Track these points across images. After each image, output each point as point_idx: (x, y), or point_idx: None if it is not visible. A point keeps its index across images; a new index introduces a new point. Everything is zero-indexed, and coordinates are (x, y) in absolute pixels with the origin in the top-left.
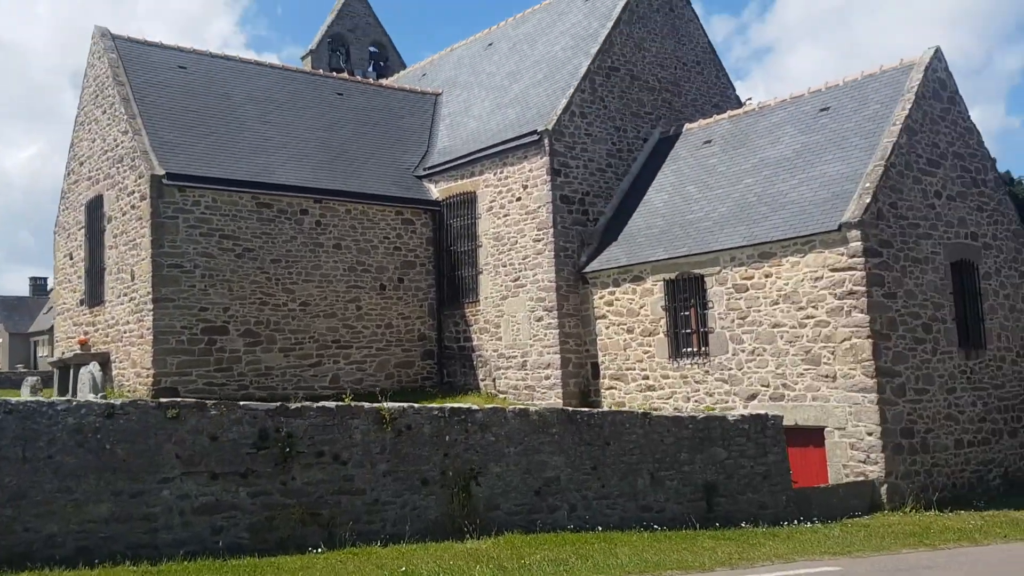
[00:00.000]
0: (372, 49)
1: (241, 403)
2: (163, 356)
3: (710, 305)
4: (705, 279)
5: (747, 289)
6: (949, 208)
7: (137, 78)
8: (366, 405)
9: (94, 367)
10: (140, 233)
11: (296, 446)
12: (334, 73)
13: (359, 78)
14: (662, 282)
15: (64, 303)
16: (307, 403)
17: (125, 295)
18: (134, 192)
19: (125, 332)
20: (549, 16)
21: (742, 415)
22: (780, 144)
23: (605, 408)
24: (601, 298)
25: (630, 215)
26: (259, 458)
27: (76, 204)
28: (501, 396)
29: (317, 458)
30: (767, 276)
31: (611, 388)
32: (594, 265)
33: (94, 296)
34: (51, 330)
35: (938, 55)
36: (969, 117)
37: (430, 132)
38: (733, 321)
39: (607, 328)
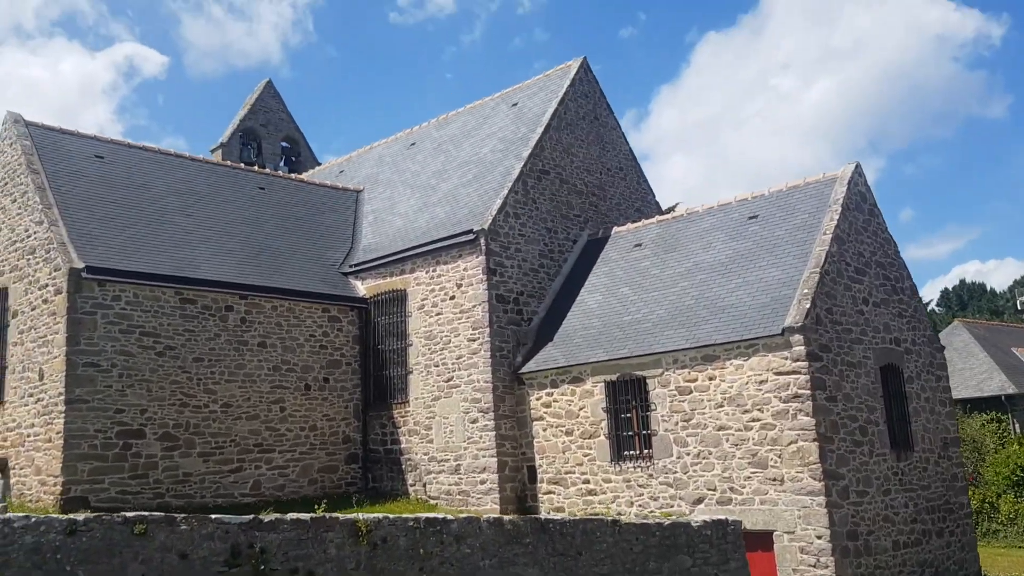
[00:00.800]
0: (284, 144)
1: (213, 516)
2: (73, 462)
3: (653, 407)
4: (647, 380)
5: (691, 391)
6: (875, 314)
7: (52, 166)
8: (341, 517)
9: None
10: (53, 329)
11: (269, 563)
12: (255, 167)
13: (280, 173)
14: (603, 383)
15: None
16: (280, 516)
17: (31, 396)
18: (48, 285)
19: (29, 436)
20: (474, 119)
21: (704, 521)
22: (712, 249)
23: (543, 514)
24: (538, 399)
25: (564, 316)
26: None
27: None
28: (432, 502)
29: (291, 575)
30: (711, 379)
31: (549, 493)
32: (531, 366)
33: None
34: None
35: (858, 170)
36: (887, 228)
37: (354, 229)
38: (677, 424)
39: (544, 430)
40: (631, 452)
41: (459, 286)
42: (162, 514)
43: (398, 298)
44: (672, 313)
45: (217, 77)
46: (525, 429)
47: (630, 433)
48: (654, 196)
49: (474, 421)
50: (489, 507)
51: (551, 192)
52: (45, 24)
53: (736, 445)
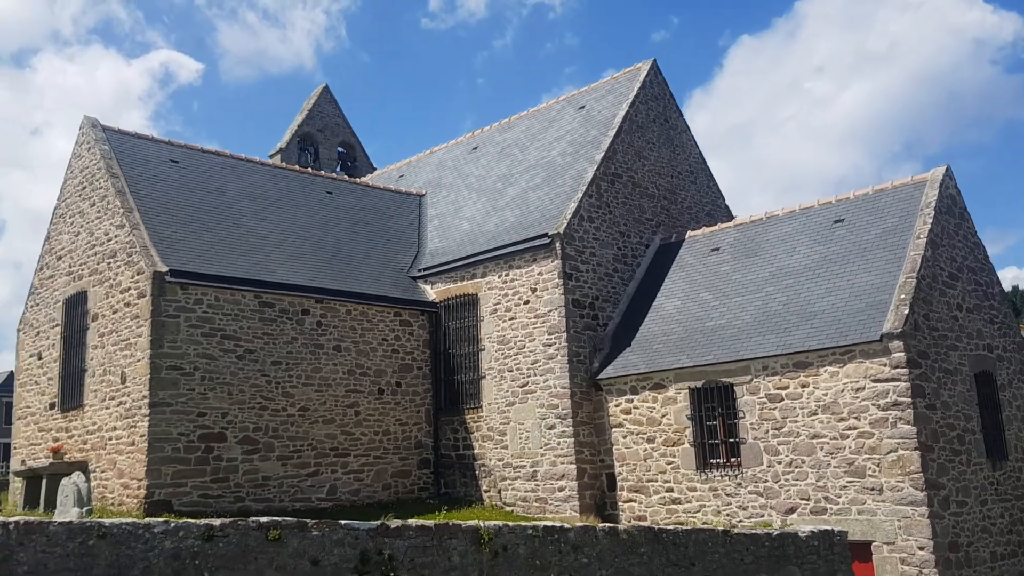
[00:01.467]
0: (340, 149)
1: (342, 522)
2: (157, 466)
3: (741, 415)
4: (735, 387)
5: (782, 399)
6: (969, 320)
7: (130, 170)
8: (463, 524)
9: (79, 477)
10: (136, 332)
11: (397, 570)
12: (322, 172)
13: (345, 177)
14: (687, 390)
15: (28, 407)
16: (405, 522)
17: (112, 398)
18: (130, 289)
19: (110, 439)
20: (539, 122)
21: (811, 531)
22: (797, 253)
23: (624, 522)
24: (617, 406)
25: (641, 321)
26: None
27: (50, 301)
28: (508, 509)
29: None
30: (803, 386)
31: (630, 501)
32: (609, 371)
33: (70, 400)
34: None
35: (949, 173)
36: (976, 233)
37: (419, 233)
38: (767, 432)
39: (624, 437)
40: (717, 460)
41: (534, 290)
42: (294, 519)
43: (469, 302)
44: (759, 319)
45: (251, 83)
46: (603, 436)
47: (716, 441)
48: (723, 200)
49: (551, 427)
50: (568, 514)
51: (624, 196)
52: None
53: (831, 454)
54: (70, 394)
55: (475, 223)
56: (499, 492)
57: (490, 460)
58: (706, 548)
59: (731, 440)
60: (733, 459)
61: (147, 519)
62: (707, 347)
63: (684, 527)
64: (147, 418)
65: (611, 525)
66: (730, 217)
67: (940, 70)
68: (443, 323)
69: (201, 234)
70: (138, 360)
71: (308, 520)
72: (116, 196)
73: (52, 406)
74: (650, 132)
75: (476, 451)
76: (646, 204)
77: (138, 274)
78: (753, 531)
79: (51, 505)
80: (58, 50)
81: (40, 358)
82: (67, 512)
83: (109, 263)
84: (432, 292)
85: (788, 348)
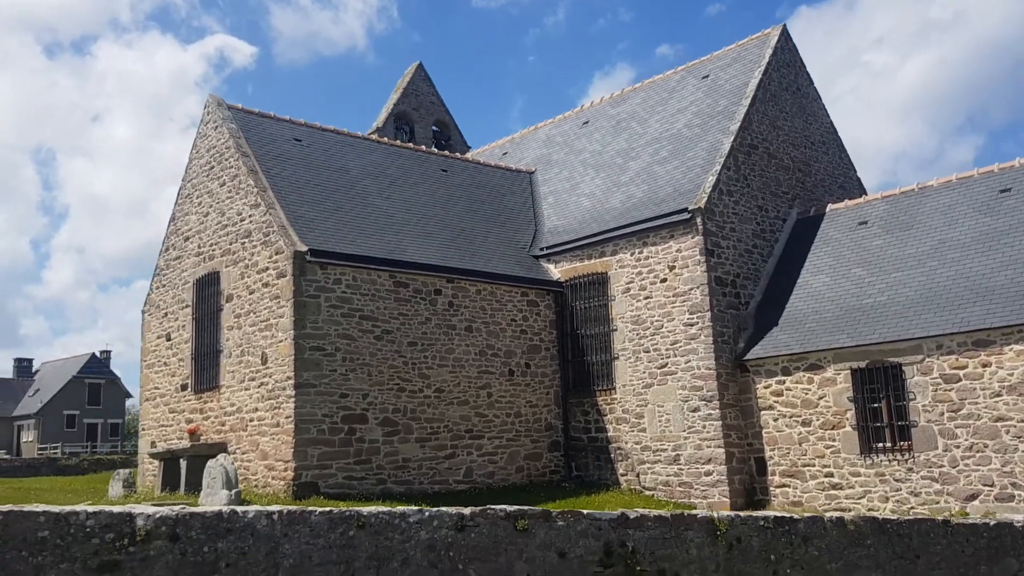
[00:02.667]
0: (434, 128)
1: (585, 512)
2: (304, 447)
3: (911, 396)
4: (903, 368)
5: (959, 379)
6: None
7: (258, 149)
8: (699, 514)
9: (226, 460)
10: (276, 313)
11: (639, 563)
12: (435, 150)
13: (457, 155)
14: (847, 371)
15: (156, 388)
16: (644, 512)
17: (252, 379)
18: (268, 269)
19: (251, 420)
20: (656, 94)
21: None
22: (959, 226)
23: (775, 510)
24: (767, 387)
25: (785, 298)
26: None
27: (178, 282)
28: (648, 493)
29: None
30: (984, 365)
31: (783, 486)
32: (757, 352)
33: (204, 381)
34: (39, 413)
35: None
36: None
37: (534, 210)
38: (943, 414)
39: (775, 420)
40: (882, 444)
41: (671, 268)
42: (540, 509)
43: (598, 281)
44: (925, 295)
45: (304, 66)
46: (751, 419)
47: (880, 424)
48: (855, 172)
49: (695, 410)
50: (717, 500)
51: (760, 168)
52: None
53: (1018, 437)
54: (204, 375)
55: (596, 200)
56: (637, 476)
57: (626, 443)
58: (928, 539)
59: (899, 423)
60: (902, 443)
61: (400, 508)
62: (868, 325)
63: (907, 518)
64: (292, 399)
65: (838, 516)
66: (863, 190)
67: (1006, 39)
68: (569, 303)
69: (332, 213)
70: (280, 341)
71: (551, 511)
72: (248, 175)
73: (184, 387)
74: (783, 101)
75: (610, 434)
76: (782, 176)
77: (276, 254)
78: (972, 521)
79: (192, 487)
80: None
81: (169, 339)
82: (215, 494)
83: (243, 243)
84: (556, 271)
85: (965, 326)
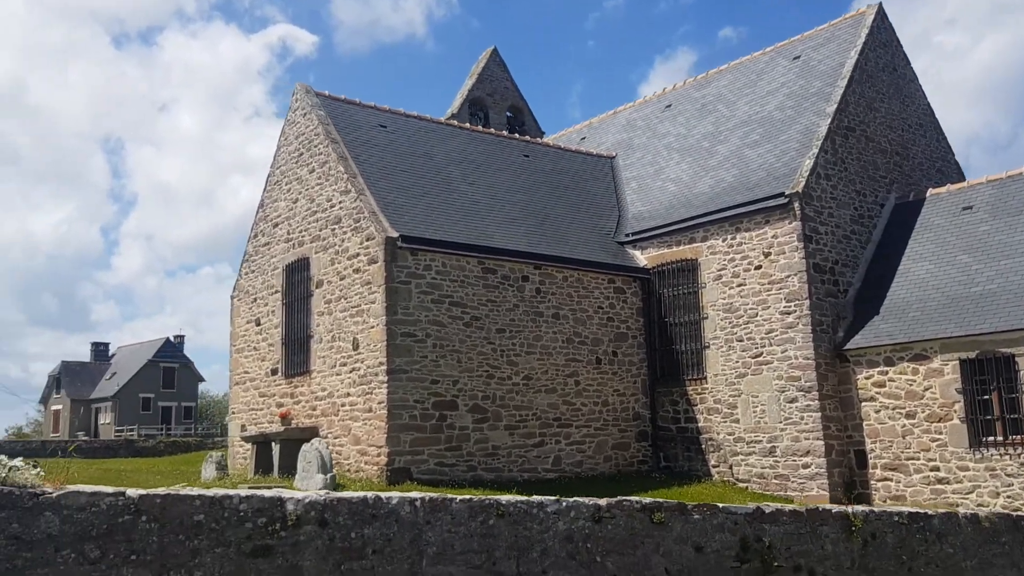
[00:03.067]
0: (508, 114)
1: (720, 506)
2: (396, 433)
3: None
4: (1016, 359)
5: None
6: None
7: (346, 136)
8: (833, 509)
9: (321, 444)
10: (368, 299)
11: (776, 558)
12: (516, 135)
13: (538, 140)
14: (956, 362)
15: (246, 372)
16: (779, 507)
17: (344, 365)
18: (359, 255)
19: (343, 405)
20: (744, 76)
21: None
22: None
23: (878, 504)
24: (868, 378)
25: (886, 286)
26: (741, 573)
27: (267, 268)
28: (742, 485)
29: (794, 573)
30: None
31: (885, 480)
32: (858, 341)
33: (294, 366)
34: (115, 396)
35: None
36: None
37: (616, 196)
38: None
39: (877, 412)
40: (992, 438)
41: (766, 255)
42: (675, 502)
43: (687, 268)
44: None
45: (365, 53)
46: (851, 410)
47: (990, 417)
48: (953, 155)
49: (792, 400)
50: (816, 493)
51: (858, 151)
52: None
53: None
54: (295, 360)
55: (683, 184)
56: (730, 468)
57: (718, 434)
58: None
59: (1012, 416)
60: (1014, 436)
61: (537, 497)
62: (978, 315)
63: None
64: (384, 385)
65: (972, 512)
66: (961, 174)
67: None
68: (656, 290)
69: (420, 199)
70: (371, 327)
71: (687, 504)
72: (338, 161)
73: (274, 372)
74: (879, 82)
75: (700, 424)
76: (879, 160)
77: (367, 240)
78: None
79: (286, 470)
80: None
81: (259, 324)
82: (311, 478)
83: (333, 229)
84: (643, 257)
85: None
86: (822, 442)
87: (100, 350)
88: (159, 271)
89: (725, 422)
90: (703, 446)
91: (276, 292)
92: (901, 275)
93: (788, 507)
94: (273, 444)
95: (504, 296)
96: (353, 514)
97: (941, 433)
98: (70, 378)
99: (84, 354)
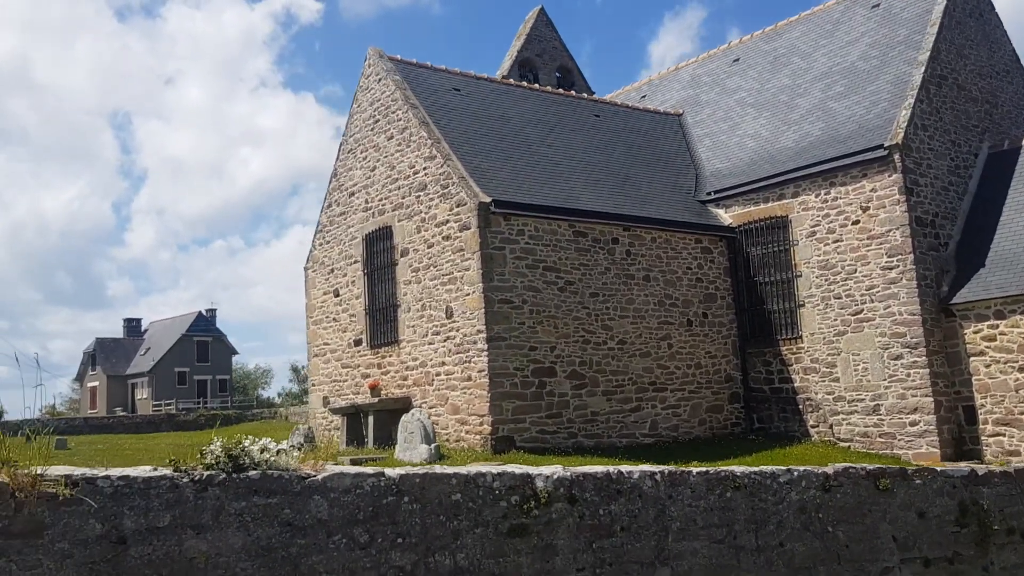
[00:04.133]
0: (557, 74)
1: (939, 469)
2: (499, 401)
3: None
4: None
5: None
6: None
7: (424, 100)
8: None
9: (422, 415)
10: (461, 266)
11: (991, 523)
12: (584, 95)
13: (606, 99)
14: None
15: (326, 344)
16: (991, 469)
17: (437, 334)
18: (448, 222)
19: (438, 375)
20: (817, 27)
21: None
22: None
23: (989, 460)
24: (977, 332)
25: (988, 238)
26: (960, 538)
27: (344, 238)
28: (843, 444)
29: (1008, 536)
30: None
31: (997, 435)
32: (965, 295)
33: (381, 336)
34: (152, 371)
35: None
36: None
37: (690, 154)
38: None
39: (987, 367)
40: None
41: (864, 209)
42: (897, 468)
43: (776, 225)
44: None
45: (370, 19)
46: (958, 366)
47: None
48: None
49: (897, 357)
50: (925, 451)
51: (951, 100)
52: None
53: None
54: (380, 330)
55: (763, 140)
56: (830, 427)
57: (816, 394)
58: None
59: None
60: None
61: (768, 467)
62: None
63: None
64: (485, 353)
65: None
66: None
67: None
68: (743, 249)
69: (504, 163)
70: (467, 294)
71: (907, 468)
72: (420, 127)
73: (358, 343)
74: (968, 28)
75: (796, 384)
76: (971, 109)
77: (458, 206)
78: None
79: (381, 441)
80: None
81: (338, 295)
82: (414, 449)
83: (418, 196)
84: (727, 216)
85: None
86: (931, 399)
87: (133, 326)
88: (172, 245)
89: (823, 381)
90: (800, 406)
91: (356, 262)
92: (1004, 226)
93: (998, 468)
94: (368, 416)
95: (596, 259)
96: (599, 490)
97: None
98: (105, 354)
99: (116, 331)
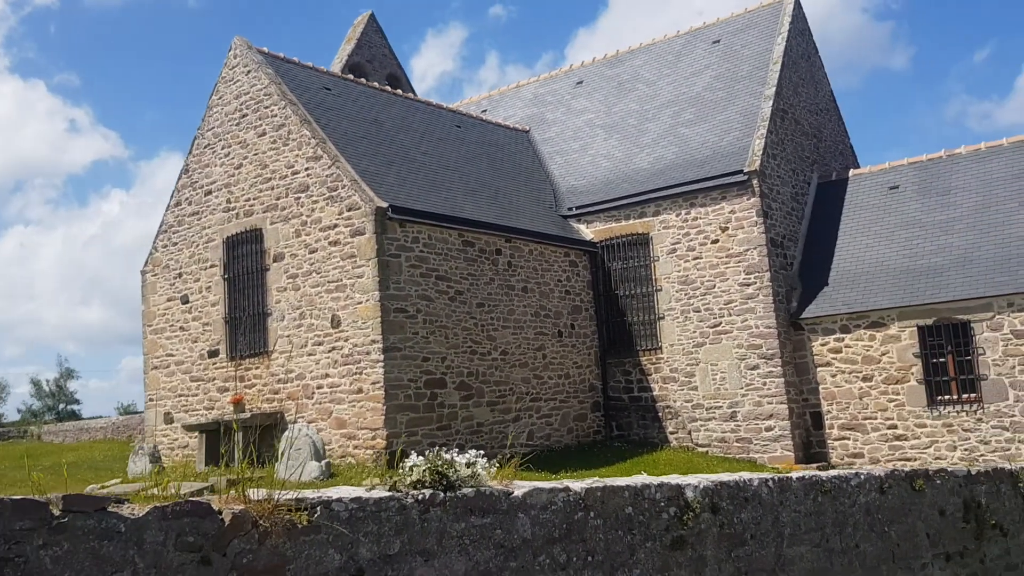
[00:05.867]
0: (387, 83)
1: (948, 470)
2: (393, 414)
3: (980, 351)
4: (972, 325)
5: None
6: None
7: (300, 97)
8: (1007, 468)
9: (310, 430)
10: (352, 273)
11: (989, 519)
12: (443, 104)
13: (462, 110)
14: (914, 328)
15: (170, 355)
16: (982, 468)
17: (319, 344)
18: (336, 226)
19: (320, 387)
20: (659, 57)
21: None
22: (995, 192)
23: (837, 462)
24: (824, 344)
25: (828, 259)
26: (966, 533)
27: (197, 240)
28: (702, 449)
29: (993, 530)
30: None
31: (843, 439)
32: (813, 310)
33: (246, 346)
34: None
35: None
36: None
37: (543, 170)
38: (1013, 367)
39: (833, 376)
40: (947, 397)
41: (723, 229)
42: (923, 469)
43: (637, 242)
44: (991, 256)
45: (115, 7)
46: (806, 375)
47: (944, 378)
48: (849, 139)
49: (753, 367)
50: (780, 454)
51: (791, 133)
52: None
53: None
54: (243, 340)
55: (617, 161)
56: (689, 434)
57: (675, 402)
58: None
59: (964, 377)
60: (968, 395)
61: (844, 471)
62: (932, 286)
63: None
64: (380, 364)
65: None
66: (855, 156)
67: (815, 18)
68: (604, 263)
69: (388, 168)
70: (358, 303)
71: (928, 469)
72: (302, 124)
73: (214, 353)
74: (800, 68)
75: (655, 393)
76: (804, 141)
77: (349, 210)
78: None
79: (253, 459)
80: None
81: (186, 302)
82: (303, 466)
83: (298, 198)
84: (588, 231)
85: None
86: (785, 406)
87: None
88: None
89: (682, 390)
90: (659, 414)
91: (212, 266)
92: (842, 249)
93: (986, 468)
94: (235, 432)
95: (482, 270)
96: (732, 498)
97: (899, 394)
98: None
99: None
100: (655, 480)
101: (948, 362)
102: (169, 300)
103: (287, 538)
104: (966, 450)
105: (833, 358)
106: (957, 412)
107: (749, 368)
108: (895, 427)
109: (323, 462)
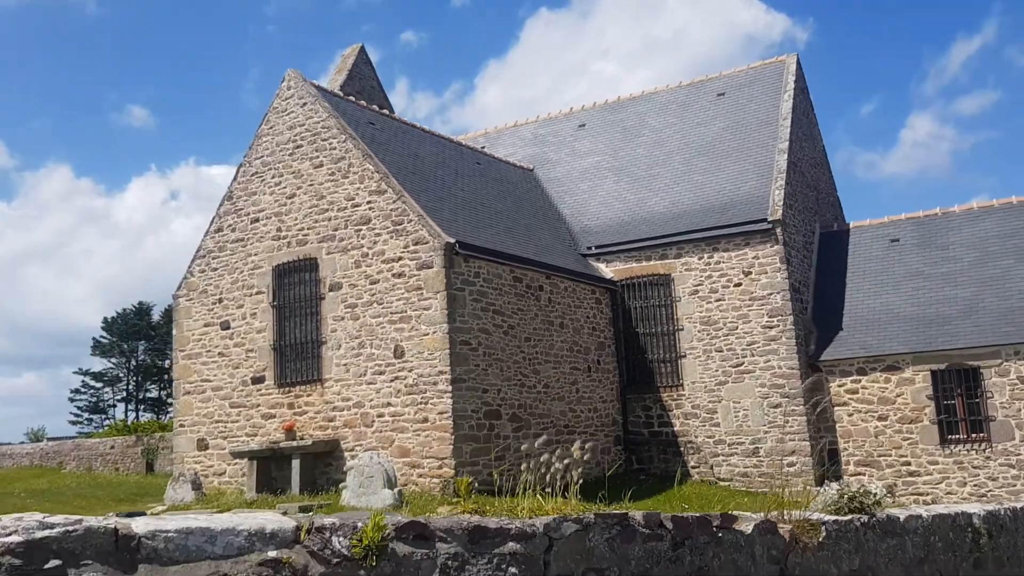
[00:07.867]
0: None
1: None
2: (460, 444)
3: (989, 395)
4: (982, 370)
5: None
6: None
7: (357, 132)
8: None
9: (382, 457)
10: (418, 305)
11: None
12: (462, 140)
13: (478, 148)
14: (927, 372)
15: (206, 380)
16: (993, 509)
17: (380, 373)
18: (402, 259)
19: (381, 416)
20: (665, 106)
21: None
22: (992, 247)
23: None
24: (841, 385)
25: (839, 306)
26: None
27: (241, 266)
28: (724, 484)
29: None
30: None
31: (857, 474)
32: (831, 352)
33: (294, 374)
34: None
35: None
36: None
37: (554, 208)
38: (1020, 410)
39: (850, 415)
40: (957, 436)
41: (747, 273)
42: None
43: (660, 283)
44: (996, 307)
45: (8, 5)
46: (824, 414)
47: (954, 419)
48: (836, 191)
49: (776, 406)
50: (800, 489)
51: (799, 185)
52: None
53: None
54: (293, 367)
55: (630, 204)
56: (711, 468)
57: (696, 437)
58: None
59: (973, 418)
60: (976, 434)
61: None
62: (944, 333)
63: None
64: (448, 395)
65: None
66: (841, 208)
67: (714, 61)
68: (624, 302)
69: (439, 203)
70: (424, 334)
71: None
72: (364, 159)
73: (258, 380)
74: (802, 124)
75: (676, 428)
76: (808, 193)
77: (415, 244)
78: None
79: (310, 488)
80: None
81: (227, 328)
82: (374, 494)
83: (359, 230)
84: (608, 270)
85: None
86: (807, 443)
87: None
88: None
89: (704, 426)
90: (681, 448)
91: (259, 293)
92: (852, 296)
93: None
94: (286, 459)
95: (528, 305)
96: (992, 525)
97: (912, 433)
98: None
99: None
100: (954, 509)
101: (958, 404)
102: (207, 325)
103: (811, 552)
104: (975, 485)
105: (850, 398)
106: (967, 450)
107: (772, 406)
108: (908, 463)
109: (395, 490)
